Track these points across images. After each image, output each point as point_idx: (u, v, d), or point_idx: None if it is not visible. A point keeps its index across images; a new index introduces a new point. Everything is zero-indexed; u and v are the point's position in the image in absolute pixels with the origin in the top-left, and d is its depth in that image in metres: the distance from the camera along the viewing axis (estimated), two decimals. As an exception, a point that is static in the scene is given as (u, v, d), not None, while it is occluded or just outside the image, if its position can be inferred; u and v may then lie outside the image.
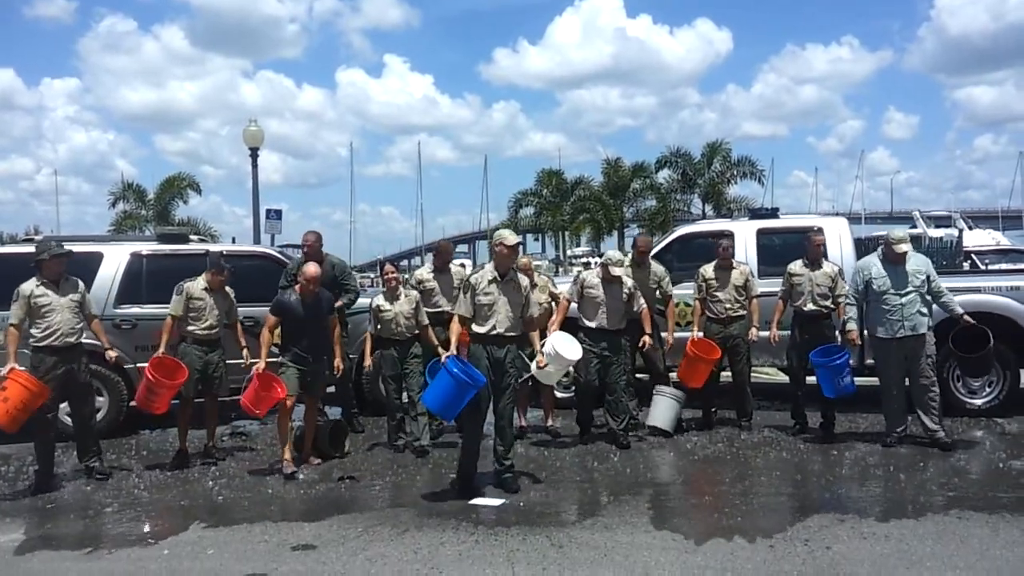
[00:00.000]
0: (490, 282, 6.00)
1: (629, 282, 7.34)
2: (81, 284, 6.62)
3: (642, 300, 7.40)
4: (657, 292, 7.85)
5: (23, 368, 6.13)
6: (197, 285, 6.95)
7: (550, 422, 7.81)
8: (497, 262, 6.10)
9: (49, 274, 6.35)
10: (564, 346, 6.57)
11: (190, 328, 6.92)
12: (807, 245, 7.59)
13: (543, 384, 7.28)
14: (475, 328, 6.00)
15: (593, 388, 7.40)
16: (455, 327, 6.06)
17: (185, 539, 5.11)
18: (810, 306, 7.43)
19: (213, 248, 8.96)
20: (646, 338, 7.33)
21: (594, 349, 7.20)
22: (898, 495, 5.79)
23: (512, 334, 6.03)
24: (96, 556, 4.90)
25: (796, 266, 7.56)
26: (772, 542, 4.87)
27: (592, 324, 7.28)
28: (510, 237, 6.09)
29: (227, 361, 7.11)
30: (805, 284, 7.46)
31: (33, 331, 6.27)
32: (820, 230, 7.99)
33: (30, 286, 6.29)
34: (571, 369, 7.14)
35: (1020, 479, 6.11)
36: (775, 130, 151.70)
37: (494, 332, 5.95)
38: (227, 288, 7.13)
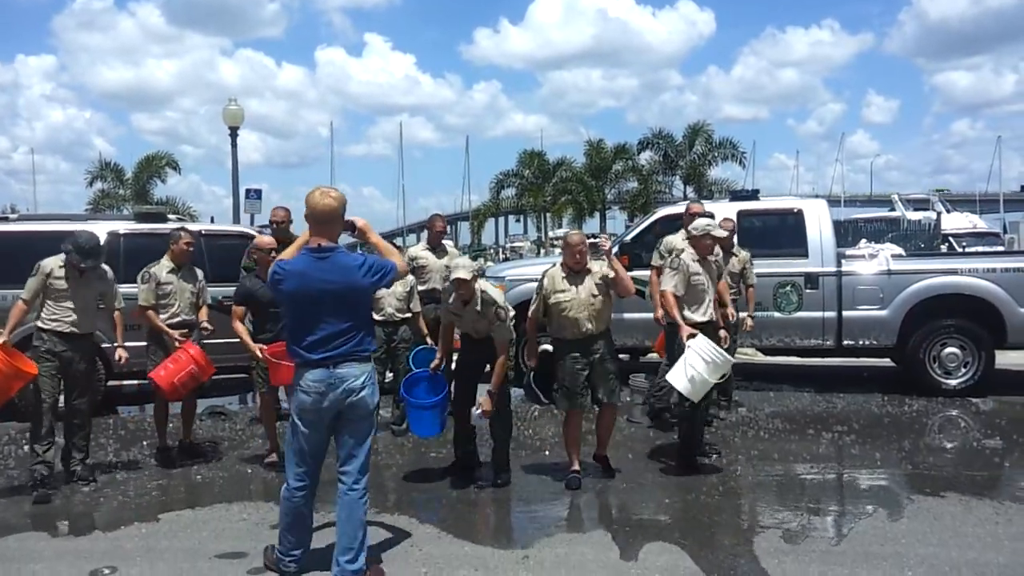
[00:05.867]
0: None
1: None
2: (109, 273, 6.00)
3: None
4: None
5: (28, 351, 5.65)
6: (163, 268, 6.37)
7: (604, 451, 5.92)
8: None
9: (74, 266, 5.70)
10: (710, 351, 5.46)
11: (162, 317, 6.32)
12: None
13: (568, 414, 5.69)
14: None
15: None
16: (444, 334, 5.79)
17: (163, 518, 5.08)
18: None
19: (191, 227, 8.87)
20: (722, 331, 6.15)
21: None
22: (873, 474, 5.86)
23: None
24: (72, 536, 4.87)
25: None
26: (750, 520, 4.93)
27: (701, 318, 5.82)
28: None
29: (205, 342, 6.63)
30: None
31: (44, 311, 5.66)
32: None
33: (52, 264, 5.64)
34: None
35: (993, 458, 6.20)
36: (756, 112, 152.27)
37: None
38: (196, 269, 6.61)
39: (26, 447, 6.68)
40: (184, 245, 6.41)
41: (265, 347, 5.84)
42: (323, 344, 3.90)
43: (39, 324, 5.67)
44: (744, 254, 7.81)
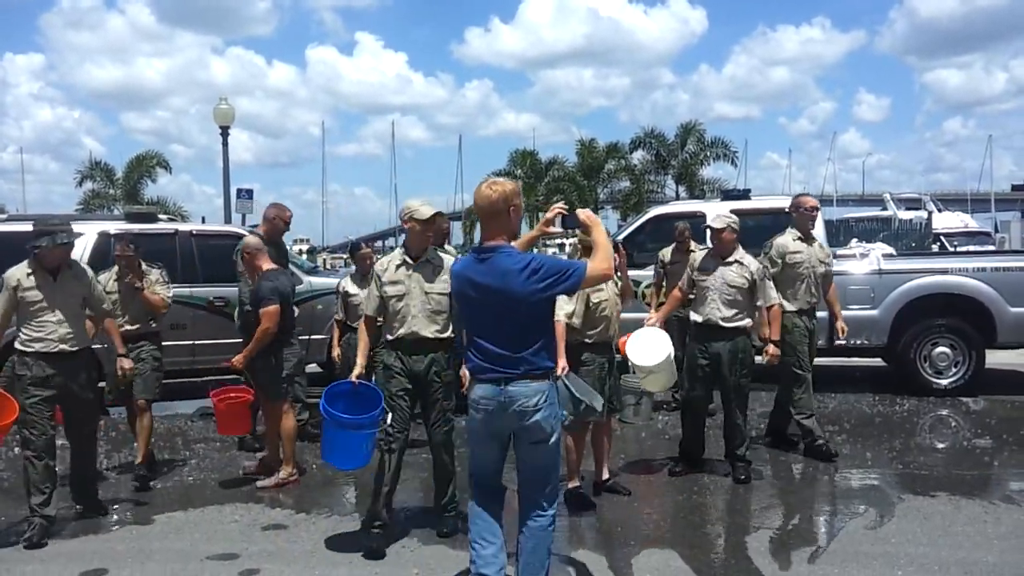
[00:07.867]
0: (398, 267, 4.62)
1: (754, 265, 5.63)
2: (90, 273, 5.10)
3: (773, 292, 5.76)
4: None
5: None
6: (108, 277, 5.84)
7: (605, 474, 5.53)
8: (409, 240, 4.72)
9: (46, 261, 4.84)
10: (639, 349, 5.28)
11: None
12: None
13: (578, 430, 5.23)
14: (386, 335, 4.67)
15: (703, 404, 5.89)
16: (362, 333, 4.77)
17: (155, 520, 5.07)
18: None
19: (182, 227, 8.87)
20: (770, 347, 5.71)
21: (702, 352, 5.66)
22: (864, 473, 5.88)
23: (433, 336, 4.59)
24: (64, 538, 4.84)
25: None
26: (741, 520, 4.95)
27: (699, 318, 5.69)
28: (423, 209, 4.63)
29: (158, 353, 6.01)
30: None
31: (21, 332, 4.84)
32: None
33: (18, 273, 4.81)
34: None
35: (983, 457, 6.24)
36: (748, 111, 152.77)
37: (409, 335, 4.56)
38: (151, 269, 6.00)
39: (16, 448, 6.67)
40: (118, 251, 5.98)
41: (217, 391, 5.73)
42: (488, 357, 3.41)
43: (19, 347, 4.83)
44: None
